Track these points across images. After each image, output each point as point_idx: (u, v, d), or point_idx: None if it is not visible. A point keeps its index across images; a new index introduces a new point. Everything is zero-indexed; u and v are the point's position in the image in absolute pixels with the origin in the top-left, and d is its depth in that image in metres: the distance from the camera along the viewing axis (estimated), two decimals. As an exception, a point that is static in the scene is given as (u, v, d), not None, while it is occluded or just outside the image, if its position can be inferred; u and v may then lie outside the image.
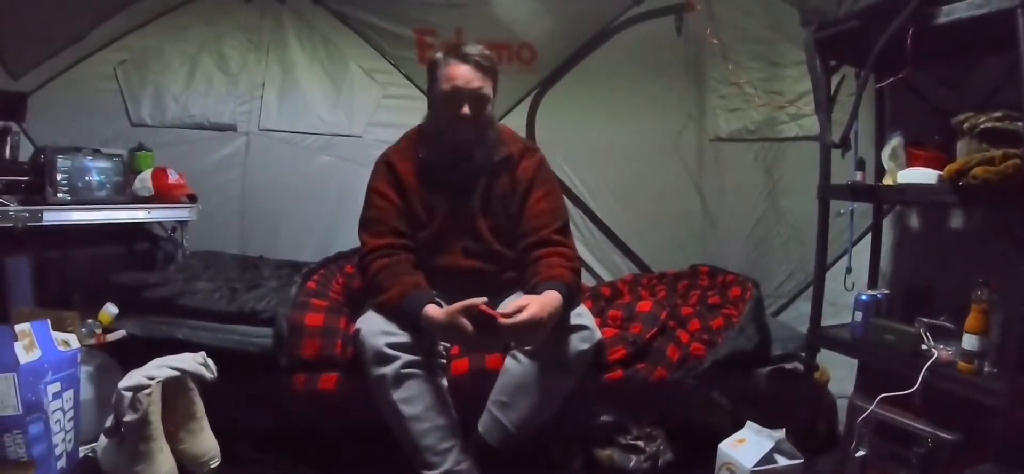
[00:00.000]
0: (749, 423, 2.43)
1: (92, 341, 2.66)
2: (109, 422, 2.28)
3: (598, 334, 2.43)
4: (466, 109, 2.45)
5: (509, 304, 2.26)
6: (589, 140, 4.24)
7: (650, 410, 2.67)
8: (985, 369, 2.19)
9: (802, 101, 3.45)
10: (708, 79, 4.12)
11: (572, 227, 2.70)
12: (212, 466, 2.42)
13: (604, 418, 2.64)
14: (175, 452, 2.33)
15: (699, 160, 4.25)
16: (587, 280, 3.95)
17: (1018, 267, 2.13)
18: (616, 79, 4.22)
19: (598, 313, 2.81)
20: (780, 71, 3.67)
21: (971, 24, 2.16)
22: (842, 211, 2.97)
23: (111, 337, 2.72)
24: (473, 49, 2.50)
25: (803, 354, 2.85)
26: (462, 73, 2.45)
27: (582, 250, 3.60)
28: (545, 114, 4.27)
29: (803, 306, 3.17)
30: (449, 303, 2.22)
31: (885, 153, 2.67)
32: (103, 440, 2.32)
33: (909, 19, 2.23)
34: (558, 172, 2.95)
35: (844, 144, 2.64)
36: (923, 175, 2.44)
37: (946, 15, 2.20)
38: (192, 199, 3.49)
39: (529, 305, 2.15)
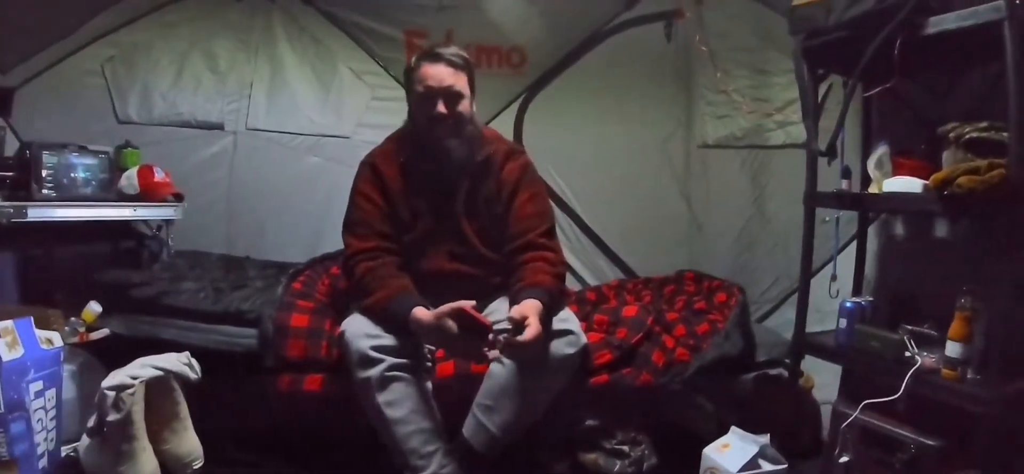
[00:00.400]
0: (734, 428, 2.44)
1: (75, 339, 2.65)
2: (92, 422, 2.27)
3: (584, 338, 2.43)
4: (441, 107, 2.46)
5: (503, 310, 2.27)
6: (577, 145, 4.25)
7: (635, 414, 2.67)
8: (968, 376, 2.21)
9: (790, 109, 3.48)
10: (697, 86, 4.14)
11: (558, 232, 2.70)
12: (195, 467, 2.41)
13: (589, 422, 2.64)
14: (158, 453, 2.32)
15: (686, 166, 4.27)
16: (573, 284, 3.95)
17: (1002, 276, 2.15)
18: (605, 84, 4.23)
19: (584, 317, 2.81)
20: (768, 79, 3.69)
21: (959, 35, 2.18)
22: (827, 219, 2.98)
23: (94, 336, 2.71)
24: (446, 49, 2.52)
25: (788, 360, 2.86)
26: (434, 72, 2.47)
27: (568, 255, 3.59)
28: (533, 118, 4.27)
29: (788, 312, 3.18)
30: (434, 307, 2.22)
31: (871, 162, 2.68)
32: (85, 440, 2.30)
33: (897, 29, 2.25)
34: (545, 176, 2.95)
35: (830, 152, 2.65)
36: (909, 184, 2.45)
37: (934, 26, 2.22)
38: (178, 198, 3.47)
39: (530, 322, 2.14)
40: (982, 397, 2.12)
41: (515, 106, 4.27)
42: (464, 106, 2.52)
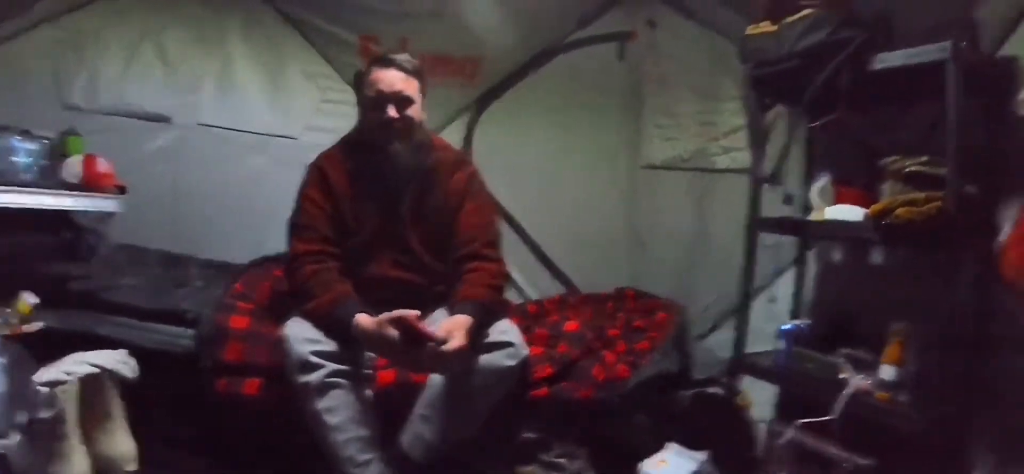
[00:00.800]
0: (671, 444, 2.47)
1: (7, 332, 2.58)
2: (22, 418, 2.21)
3: (525, 350, 2.43)
4: (392, 111, 2.49)
5: (436, 324, 2.27)
6: (525, 158, 4.25)
7: (574, 428, 2.68)
8: (901, 399, 2.27)
9: (736, 134, 3.52)
10: (646, 107, 4.16)
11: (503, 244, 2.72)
12: (129, 469, 2.37)
13: (527, 435, 2.65)
14: (90, 453, 2.27)
15: (632, 185, 4.28)
16: (514, 298, 3.95)
17: (935, 303, 2.22)
18: (556, 100, 4.23)
19: (524, 331, 2.81)
20: (718, 105, 3.71)
21: (904, 72, 2.27)
22: (769, 242, 3.03)
23: (28, 329, 2.63)
24: (397, 55, 2.56)
25: (725, 379, 2.90)
26: (386, 77, 2.50)
27: (512, 268, 3.60)
28: (484, 130, 4.27)
29: (728, 332, 3.22)
30: (376, 314, 2.22)
31: (814, 190, 2.74)
32: (15, 437, 2.24)
33: (845, 63, 2.31)
34: (492, 189, 2.95)
35: (774, 178, 2.71)
36: (849, 212, 2.51)
37: (881, 62, 2.31)
38: (121, 190, 3.40)
39: (455, 335, 2.17)
40: (913, 418, 2.20)
41: (466, 117, 4.27)
42: (414, 111, 2.54)
